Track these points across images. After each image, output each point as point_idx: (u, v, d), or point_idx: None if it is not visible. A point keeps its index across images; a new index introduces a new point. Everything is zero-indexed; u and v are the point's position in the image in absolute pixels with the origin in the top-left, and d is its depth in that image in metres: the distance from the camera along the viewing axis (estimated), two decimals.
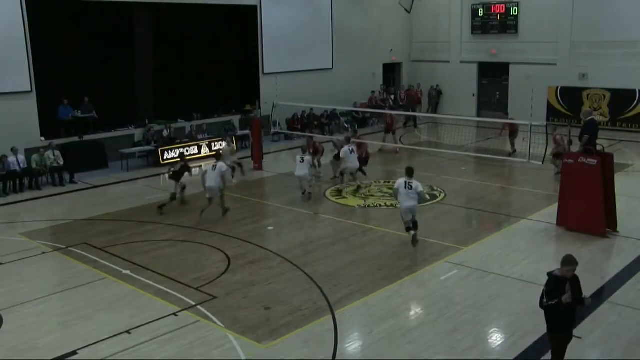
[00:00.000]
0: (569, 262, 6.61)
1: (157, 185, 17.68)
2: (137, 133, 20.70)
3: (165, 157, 19.76)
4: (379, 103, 27.01)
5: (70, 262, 11.27)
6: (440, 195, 15.44)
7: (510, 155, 19.23)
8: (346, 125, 24.96)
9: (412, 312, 9.30)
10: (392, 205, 14.32)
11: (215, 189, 13.55)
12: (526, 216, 13.58)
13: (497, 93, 28.27)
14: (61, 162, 17.48)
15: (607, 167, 12.07)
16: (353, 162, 15.70)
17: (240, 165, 17.69)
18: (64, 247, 12.04)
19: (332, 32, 26.63)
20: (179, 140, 20.57)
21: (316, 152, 17.13)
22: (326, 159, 17.85)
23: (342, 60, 26.99)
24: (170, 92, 22.03)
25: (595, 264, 10.78)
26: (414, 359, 7.78)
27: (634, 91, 23.76)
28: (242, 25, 23.82)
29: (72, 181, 17.50)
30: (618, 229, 12.23)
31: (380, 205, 14.55)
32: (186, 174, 15.04)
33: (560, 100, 25.52)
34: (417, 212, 11.88)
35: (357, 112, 25.50)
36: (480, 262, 10.91)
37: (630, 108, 23.95)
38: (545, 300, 6.52)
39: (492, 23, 27.50)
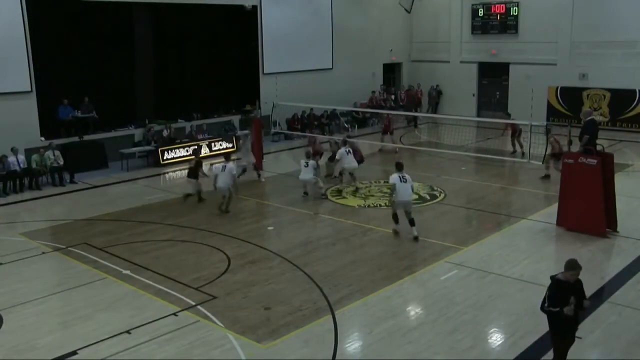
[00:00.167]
0: (572, 266, 6.50)
1: (157, 185, 17.68)
2: (137, 133, 20.70)
3: (165, 157, 19.77)
4: (379, 103, 27.02)
5: (70, 262, 11.27)
6: (440, 195, 15.44)
7: (511, 154, 19.25)
8: (346, 125, 25.00)
9: (412, 312, 9.30)
10: (385, 204, 14.29)
11: (226, 190, 13.98)
12: (526, 216, 13.58)
13: (497, 93, 28.27)
14: (61, 162, 17.48)
15: (607, 167, 12.07)
16: (351, 163, 15.73)
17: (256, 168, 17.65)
18: (64, 247, 12.04)
19: (332, 32, 26.63)
20: (179, 140, 20.57)
21: (316, 153, 17.13)
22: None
23: (342, 60, 26.99)
24: (170, 92, 22.02)
25: (595, 264, 10.78)
26: (414, 359, 7.78)
27: (634, 91, 23.76)
28: (242, 25, 23.82)
29: (72, 181, 17.49)
30: (618, 229, 12.23)
31: (380, 205, 14.54)
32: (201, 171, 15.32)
33: (560, 100, 25.52)
34: (412, 206, 12.36)
35: (357, 112, 25.50)
36: (480, 262, 10.92)
37: (630, 108, 23.95)
38: (546, 305, 6.49)
39: (492, 23, 27.50)
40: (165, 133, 20.56)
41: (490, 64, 27.99)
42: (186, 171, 15.75)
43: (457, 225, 13.35)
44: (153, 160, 19.71)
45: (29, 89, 18.27)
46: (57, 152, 17.56)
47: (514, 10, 26.72)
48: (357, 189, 15.84)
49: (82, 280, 10.38)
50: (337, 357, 7.82)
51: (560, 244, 11.98)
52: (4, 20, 17.51)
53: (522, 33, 26.67)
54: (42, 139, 18.43)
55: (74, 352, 8.00)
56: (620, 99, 24.08)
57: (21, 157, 16.86)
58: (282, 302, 9.35)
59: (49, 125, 18.90)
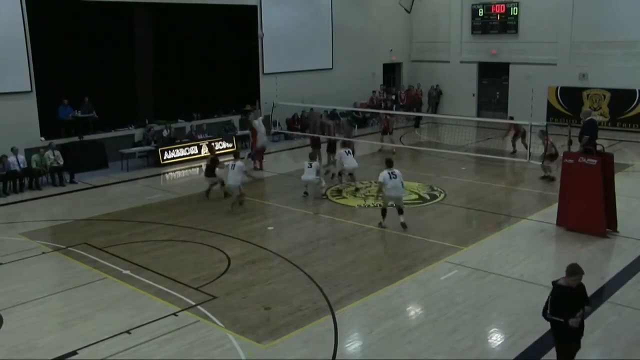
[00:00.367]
0: (574, 271, 6.35)
1: (157, 185, 17.69)
2: (137, 133, 20.70)
3: (165, 157, 19.77)
4: (380, 102, 27.01)
5: (70, 262, 11.27)
6: (440, 195, 15.44)
7: (511, 154, 19.25)
8: (353, 125, 24.79)
9: (412, 312, 9.30)
10: (391, 205, 14.27)
11: (236, 188, 14.21)
12: (526, 216, 13.58)
13: (497, 93, 28.27)
14: (61, 162, 17.47)
15: (607, 167, 12.07)
16: (351, 163, 15.76)
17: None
18: (64, 247, 12.03)
19: (332, 32, 26.63)
20: (179, 140, 20.57)
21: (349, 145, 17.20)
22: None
23: (342, 60, 26.99)
24: (170, 92, 22.02)
25: (595, 264, 10.77)
26: (414, 359, 7.78)
27: (634, 91, 23.76)
28: (242, 25, 23.82)
29: (72, 181, 17.49)
30: (618, 229, 12.23)
31: (380, 205, 14.50)
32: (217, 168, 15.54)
33: (560, 100, 25.51)
34: (403, 200, 13.09)
35: (357, 112, 25.49)
36: (480, 262, 10.91)
37: (630, 108, 23.95)
38: (549, 312, 6.36)
39: (492, 23, 27.49)
40: (165, 133, 20.56)
41: (490, 64, 27.99)
42: (197, 170, 16.33)
43: (457, 225, 13.35)
44: (153, 160, 19.71)
45: (29, 89, 18.27)
46: (57, 152, 17.56)
47: (514, 10, 26.71)
48: (357, 189, 15.86)
49: (82, 280, 10.38)
50: (337, 357, 7.82)
51: (560, 244, 11.98)
52: (4, 20, 17.51)
53: (522, 33, 26.67)
54: (42, 139, 18.43)
55: (74, 352, 8.00)
56: (620, 99, 24.07)
57: (21, 157, 16.86)
58: (282, 302, 9.34)
59: (49, 125, 18.90)
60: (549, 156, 15.85)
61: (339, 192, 15.86)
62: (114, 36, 20.24)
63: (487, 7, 27.52)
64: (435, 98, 29.29)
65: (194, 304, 9.35)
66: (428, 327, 8.57)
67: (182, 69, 22.36)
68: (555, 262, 11.33)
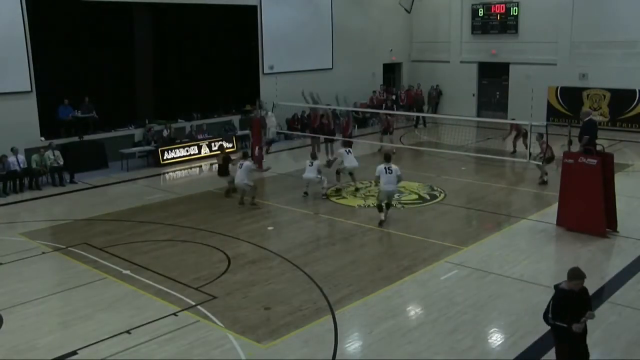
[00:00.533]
0: (576, 275, 6.22)
1: (157, 185, 17.69)
2: (137, 133, 20.70)
3: (165, 157, 19.77)
4: (381, 102, 27.00)
5: (70, 262, 11.27)
6: (440, 195, 15.44)
7: (511, 154, 19.25)
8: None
9: (412, 312, 9.30)
10: (391, 205, 14.30)
11: (243, 187, 14.47)
12: (526, 216, 13.58)
13: (497, 93, 28.27)
14: (61, 162, 17.47)
15: (607, 167, 12.07)
16: (352, 162, 15.76)
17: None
18: (64, 247, 12.03)
19: (332, 32, 26.63)
20: (179, 140, 20.57)
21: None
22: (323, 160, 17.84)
23: (342, 60, 26.99)
24: (170, 92, 22.02)
25: (595, 264, 10.77)
26: (414, 359, 7.78)
27: (634, 91, 23.76)
28: (242, 25, 23.82)
29: (72, 181, 17.49)
30: (618, 229, 12.22)
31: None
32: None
33: (560, 100, 25.51)
34: (395, 196, 13.71)
35: (357, 112, 25.48)
36: (480, 262, 10.91)
37: (630, 108, 23.95)
38: (550, 317, 6.26)
39: (492, 23, 27.49)
40: (165, 133, 20.56)
41: (490, 64, 27.99)
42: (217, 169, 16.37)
43: (457, 225, 13.35)
44: (153, 160, 19.71)
45: (29, 89, 18.27)
46: (57, 152, 17.56)
47: (514, 10, 26.72)
48: (357, 189, 15.86)
49: (82, 280, 10.38)
50: (337, 357, 7.82)
51: (560, 244, 11.98)
52: (4, 20, 17.52)
53: (522, 33, 26.67)
54: (42, 139, 18.43)
55: (74, 352, 8.00)
56: (620, 99, 24.07)
57: (21, 157, 16.86)
58: (282, 302, 9.34)
59: (49, 125, 18.90)
60: (547, 159, 15.87)
61: (338, 191, 15.86)
62: (114, 36, 20.25)
63: (487, 7, 27.52)
64: (435, 98, 29.28)
65: (194, 304, 9.35)
66: (428, 327, 8.57)
67: (182, 69, 22.36)
68: (555, 262, 11.33)
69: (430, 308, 9.17)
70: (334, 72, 26.66)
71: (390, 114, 22.09)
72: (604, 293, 9.61)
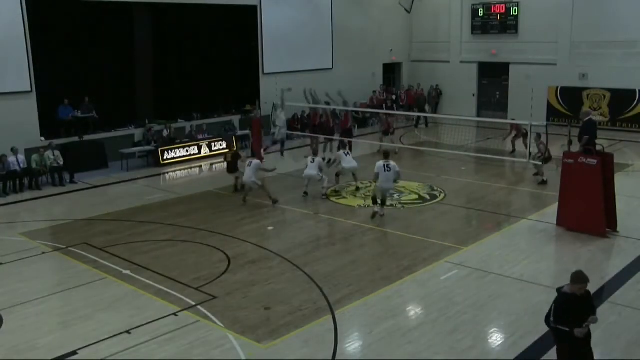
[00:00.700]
0: (579, 279, 6.14)
1: (157, 185, 17.69)
2: (137, 133, 20.70)
3: (165, 157, 19.77)
4: (382, 103, 26.99)
5: (70, 262, 11.27)
6: (440, 195, 15.44)
7: (510, 154, 19.25)
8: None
9: (412, 312, 9.30)
10: (391, 205, 14.32)
11: (251, 185, 14.64)
12: (526, 216, 13.58)
13: (497, 93, 28.27)
14: (61, 162, 17.47)
15: (607, 167, 12.06)
16: (350, 163, 15.75)
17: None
18: (64, 247, 12.03)
19: (332, 32, 26.64)
20: (179, 140, 20.57)
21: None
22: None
23: (342, 60, 26.99)
24: (170, 92, 22.02)
25: (595, 264, 10.77)
26: (414, 359, 7.78)
27: (634, 91, 23.75)
28: (242, 25, 23.81)
29: (72, 181, 17.49)
30: (618, 229, 12.22)
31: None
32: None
33: (560, 100, 25.51)
34: (390, 193, 13.97)
35: (357, 112, 25.47)
36: (480, 262, 10.91)
37: (630, 108, 23.95)
38: (552, 320, 6.19)
39: (492, 23, 27.49)
40: (165, 133, 20.56)
41: (490, 64, 27.98)
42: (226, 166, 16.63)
43: (457, 225, 13.35)
44: (153, 160, 19.71)
45: (29, 89, 18.27)
46: (57, 152, 17.56)
47: (514, 10, 26.71)
48: (357, 189, 15.86)
49: (82, 280, 10.38)
50: (337, 357, 7.82)
51: (560, 244, 11.98)
52: (4, 20, 17.52)
53: (522, 33, 26.66)
54: (42, 139, 18.44)
55: (74, 352, 8.00)
56: (620, 99, 24.07)
57: (21, 157, 16.86)
58: (282, 302, 9.34)
59: (49, 125, 18.91)
60: (544, 159, 15.87)
61: (338, 192, 15.86)
62: (114, 36, 20.26)
63: (487, 7, 27.52)
64: (435, 98, 29.28)
65: (194, 304, 9.35)
66: (428, 327, 8.57)
67: (182, 69, 22.37)
68: (555, 262, 11.34)
69: (430, 308, 9.17)
70: (334, 72, 26.65)
71: (390, 114, 22.06)
72: (604, 293, 9.61)
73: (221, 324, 8.70)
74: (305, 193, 15.40)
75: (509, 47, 27.05)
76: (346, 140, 18.17)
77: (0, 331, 8.68)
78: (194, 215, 14.06)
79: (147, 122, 20.99)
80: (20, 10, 17.84)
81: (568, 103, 25.16)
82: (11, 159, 16.53)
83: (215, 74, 22.99)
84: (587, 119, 13.82)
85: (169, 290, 9.85)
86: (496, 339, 8.41)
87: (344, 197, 15.44)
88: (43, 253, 11.78)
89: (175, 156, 20.06)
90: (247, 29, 23.91)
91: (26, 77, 18.15)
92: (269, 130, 21.04)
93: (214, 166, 19.96)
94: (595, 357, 7.79)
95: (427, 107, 27.35)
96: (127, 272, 10.68)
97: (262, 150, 18.78)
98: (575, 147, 13.18)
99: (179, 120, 21.97)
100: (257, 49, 24.10)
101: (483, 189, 16.05)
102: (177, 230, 13.06)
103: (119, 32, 20.45)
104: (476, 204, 14.77)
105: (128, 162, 19.13)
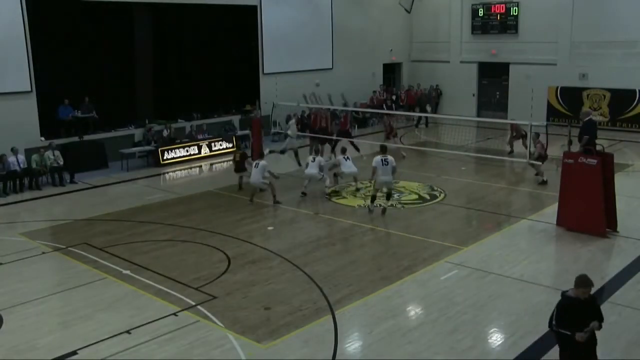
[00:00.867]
0: (583, 283, 6.05)
1: (157, 185, 17.69)
2: (137, 133, 20.70)
3: (165, 157, 19.77)
4: (382, 103, 26.97)
5: (70, 262, 11.27)
6: (440, 195, 15.44)
7: (509, 154, 19.23)
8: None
9: (412, 312, 9.29)
10: (391, 205, 14.32)
11: (259, 185, 14.91)
12: (526, 216, 13.58)
13: (497, 93, 28.27)
14: (61, 162, 17.47)
15: (607, 167, 12.06)
16: (350, 168, 15.73)
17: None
18: (64, 247, 12.03)
19: (332, 32, 26.64)
20: (179, 140, 20.57)
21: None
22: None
23: (342, 60, 26.99)
24: (170, 92, 22.02)
25: (595, 264, 10.77)
26: (414, 359, 7.78)
27: (634, 91, 23.76)
28: (242, 25, 23.81)
29: (72, 181, 17.49)
30: (618, 229, 12.22)
31: (380, 205, 14.51)
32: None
33: (560, 100, 25.52)
34: (393, 185, 14.20)
35: (357, 112, 25.48)
36: (480, 262, 10.91)
37: (630, 108, 23.95)
38: (554, 323, 6.13)
39: (492, 23, 27.50)
40: (165, 133, 20.56)
41: (490, 64, 27.99)
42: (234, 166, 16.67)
43: (457, 225, 13.35)
44: (153, 160, 19.71)
45: (29, 89, 18.27)
46: (57, 152, 17.56)
47: (514, 10, 26.72)
48: (357, 189, 15.86)
49: (82, 280, 10.38)
50: (337, 357, 7.82)
51: (560, 244, 11.98)
52: (4, 20, 17.52)
53: (522, 33, 26.67)
54: (42, 139, 18.44)
55: (74, 352, 8.00)
56: (620, 99, 24.07)
57: (21, 157, 16.85)
58: (282, 302, 9.34)
59: (49, 125, 18.90)
60: (536, 157, 15.86)
61: (338, 192, 15.85)
62: (114, 36, 20.26)
63: (487, 7, 27.52)
64: (435, 98, 29.28)
65: (194, 304, 9.35)
66: (428, 327, 8.57)
67: (182, 69, 22.37)
68: (555, 262, 11.34)
69: (430, 308, 9.17)
70: (334, 72, 26.66)
71: (391, 116, 21.99)
72: (604, 293, 9.60)
73: (221, 324, 8.70)
74: (303, 193, 15.39)
75: (509, 47, 27.05)
76: (347, 140, 18.13)
77: (0, 331, 8.67)
78: (194, 215, 14.06)
79: (147, 122, 20.99)
80: (20, 10, 17.84)
81: (568, 103, 25.16)
82: (11, 159, 16.53)
83: (215, 74, 22.98)
84: (587, 119, 13.84)
85: (169, 290, 9.84)
86: (496, 339, 8.41)
87: (344, 197, 15.43)
88: (43, 253, 11.78)
89: (175, 156, 20.06)
90: (247, 29, 23.91)
91: (26, 77, 18.15)
92: (269, 130, 21.07)
93: (214, 166, 19.97)
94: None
95: (428, 107, 27.37)
96: (127, 272, 10.68)
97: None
98: (575, 147, 13.19)
99: (179, 120, 21.97)
100: (257, 49, 24.10)
101: (483, 189, 16.05)
102: (177, 230, 13.06)
103: (119, 32, 20.46)
104: (476, 204, 14.77)
105: (128, 162, 19.13)
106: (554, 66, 25.65)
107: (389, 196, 13.91)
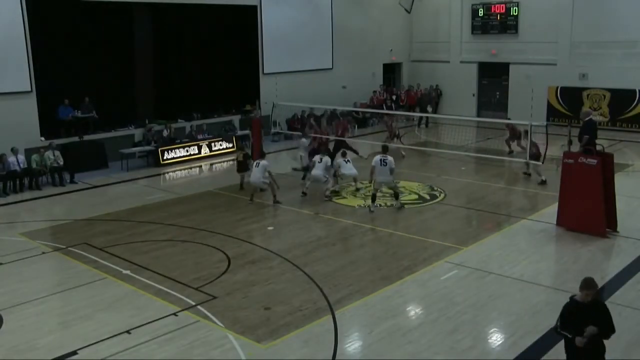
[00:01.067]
0: (585, 286, 5.98)
1: (157, 185, 17.69)
2: (137, 133, 20.70)
3: (165, 157, 19.77)
4: (382, 103, 26.96)
5: (70, 262, 11.27)
6: (440, 195, 15.44)
7: (508, 154, 19.20)
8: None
9: (412, 312, 9.29)
10: (391, 205, 14.32)
11: (260, 185, 14.98)
12: (526, 216, 13.58)
13: (497, 93, 28.27)
14: (61, 162, 17.47)
15: (607, 167, 12.06)
16: (350, 170, 15.72)
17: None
18: (64, 247, 12.03)
19: (332, 32, 26.64)
20: (179, 140, 20.57)
21: (321, 144, 17.18)
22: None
23: (342, 60, 26.99)
24: (170, 92, 22.02)
25: (595, 264, 10.77)
26: (414, 359, 7.78)
27: (634, 91, 23.76)
28: (242, 25, 23.81)
29: (72, 181, 17.49)
30: (618, 229, 12.22)
31: (380, 205, 14.53)
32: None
33: (560, 100, 25.52)
34: (393, 184, 14.26)
35: (357, 112, 25.49)
36: (480, 262, 10.91)
37: (630, 108, 23.95)
38: (558, 325, 6.08)
39: (492, 23, 27.50)
40: (165, 133, 20.56)
41: (490, 64, 27.99)
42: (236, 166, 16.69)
43: (457, 225, 13.35)
44: (153, 160, 19.71)
45: (29, 89, 18.27)
46: (57, 152, 17.55)
47: (514, 10, 26.72)
48: (357, 189, 15.85)
49: (82, 280, 10.38)
50: (337, 357, 7.82)
51: (560, 244, 11.98)
52: (4, 20, 17.51)
53: (522, 33, 26.67)
54: (42, 139, 18.44)
55: (74, 352, 8.00)
56: (620, 99, 24.07)
57: (21, 157, 16.85)
58: (282, 302, 9.34)
59: (49, 125, 18.90)
60: (531, 156, 15.82)
61: (338, 192, 15.85)
62: (114, 36, 20.25)
63: (487, 7, 27.52)
64: (435, 98, 29.28)
65: (194, 304, 9.35)
66: (428, 327, 8.57)
67: (182, 69, 22.37)
68: (555, 262, 11.33)
69: (430, 308, 9.17)
70: (334, 72, 26.67)
71: (392, 117, 21.96)
72: (604, 293, 9.59)
73: (221, 324, 8.70)
74: (304, 193, 15.39)
75: (509, 47, 27.05)
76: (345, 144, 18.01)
77: (0, 331, 8.67)
78: (194, 215, 14.06)
79: (147, 122, 20.98)
80: (20, 10, 17.84)
81: (568, 103, 25.16)
82: (11, 159, 16.53)
83: (215, 74, 22.98)
84: (587, 119, 13.85)
85: (169, 290, 9.84)
86: (496, 339, 8.41)
87: (344, 197, 15.43)
88: (43, 253, 11.78)
89: (175, 156, 20.06)
90: (247, 29, 23.91)
91: (26, 77, 18.15)
92: (269, 130, 21.06)
93: (214, 166, 19.97)
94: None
95: (428, 108, 27.38)
96: (127, 272, 10.68)
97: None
98: (575, 147, 13.19)
99: (179, 120, 21.96)
100: (257, 49, 24.09)
101: (483, 189, 16.05)
102: (177, 230, 13.06)
103: (119, 32, 20.45)
104: (476, 204, 14.77)
105: (128, 162, 19.13)
106: (554, 66, 25.66)
107: (397, 195, 14.14)
